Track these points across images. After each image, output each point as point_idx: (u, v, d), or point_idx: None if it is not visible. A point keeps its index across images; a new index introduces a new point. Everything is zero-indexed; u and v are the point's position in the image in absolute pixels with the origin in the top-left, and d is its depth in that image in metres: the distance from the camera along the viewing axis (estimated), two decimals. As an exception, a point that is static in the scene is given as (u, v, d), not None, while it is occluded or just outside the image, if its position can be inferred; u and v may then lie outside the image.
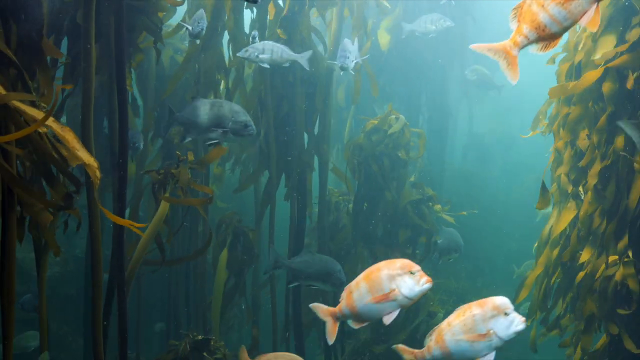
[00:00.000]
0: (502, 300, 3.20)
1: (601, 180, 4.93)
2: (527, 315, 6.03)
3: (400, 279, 3.25)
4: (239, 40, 6.15)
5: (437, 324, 7.32)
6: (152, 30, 5.07)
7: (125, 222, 4.00)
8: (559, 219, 5.62)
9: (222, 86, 6.43)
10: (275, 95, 6.44)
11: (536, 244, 6.30)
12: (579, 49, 5.16)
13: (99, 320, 4.28)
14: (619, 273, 4.79)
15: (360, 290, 3.28)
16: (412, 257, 7.17)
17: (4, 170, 3.40)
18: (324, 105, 6.62)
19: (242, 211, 8.11)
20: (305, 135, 6.71)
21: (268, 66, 5.51)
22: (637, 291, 4.72)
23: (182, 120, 5.21)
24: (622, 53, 4.74)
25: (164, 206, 4.88)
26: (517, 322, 3.16)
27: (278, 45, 5.43)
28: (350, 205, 7.41)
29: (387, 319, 3.28)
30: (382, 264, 3.31)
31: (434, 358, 3.30)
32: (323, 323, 3.60)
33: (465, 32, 10.31)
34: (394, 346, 3.47)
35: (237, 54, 5.59)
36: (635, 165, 4.62)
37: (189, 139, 5.27)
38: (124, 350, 4.47)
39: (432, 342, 3.29)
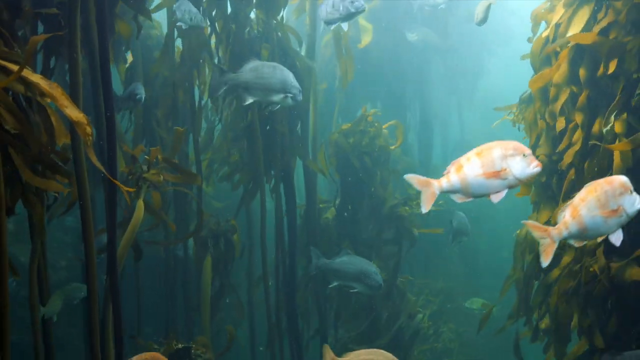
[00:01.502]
0: (626, 179, 3.31)
1: (579, 163, 4.87)
2: (509, 316, 5.96)
3: (512, 159, 3.25)
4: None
5: (417, 325, 7.31)
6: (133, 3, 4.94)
7: (117, 183, 3.94)
8: (537, 219, 5.57)
9: (207, 72, 6.44)
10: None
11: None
12: (544, 33, 5.18)
13: (95, 318, 4.24)
14: (593, 267, 4.74)
15: (472, 164, 3.27)
16: (397, 257, 7.17)
17: None
18: (306, 102, 6.58)
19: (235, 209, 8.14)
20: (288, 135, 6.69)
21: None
22: (608, 287, 4.66)
23: (242, 81, 5.06)
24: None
25: (138, 211, 4.78)
26: (638, 201, 3.28)
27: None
28: (330, 211, 7.42)
29: (495, 198, 3.30)
30: (494, 143, 3.32)
31: (570, 234, 3.33)
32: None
33: (445, 29, 10.39)
34: (524, 221, 3.47)
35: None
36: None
37: (250, 101, 5.15)
38: (120, 348, 4.42)
39: (568, 217, 3.31)
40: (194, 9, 5.15)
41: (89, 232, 4.13)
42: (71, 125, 3.80)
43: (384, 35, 9.60)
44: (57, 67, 4.84)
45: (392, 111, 10.13)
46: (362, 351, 3.91)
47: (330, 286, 6.19)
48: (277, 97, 5.06)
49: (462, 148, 15.18)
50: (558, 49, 5.04)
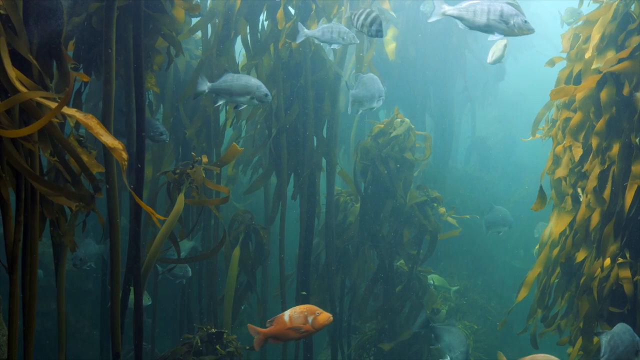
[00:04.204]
0: None
1: (599, 184, 5.12)
2: (529, 314, 6.22)
3: None
4: (254, 44, 6.44)
5: (441, 320, 7.57)
6: (168, 38, 5.26)
7: (148, 208, 4.10)
8: (558, 222, 5.82)
9: None
10: (286, 99, 6.69)
11: (537, 246, 6.49)
12: (579, 59, 5.36)
13: (117, 311, 4.52)
14: (613, 274, 4.97)
15: None
16: (417, 257, 7.40)
17: (20, 164, 3.54)
18: (332, 109, 6.85)
19: (253, 210, 8.36)
20: (315, 138, 6.93)
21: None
22: (630, 292, 4.90)
23: (360, 96, 5.70)
24: (621, 60, 4.95)
25: (179, 204, 5.06)
26: None
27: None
28: (357, 205, 7.62)
29: None
30: None
31: None
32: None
33: (464, 40, 10.60)
34: None
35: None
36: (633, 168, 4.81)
37: (360, 112, 5.79)
38: (139, 341, 4.68)
39: None
40: (344, 28, 5.34)
41: (116, 235, 4.43)
42: (104, 148, 4.03)
43: (404, 39, 9.80)
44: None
45: (410, 113, 10.31)
46: (535, 356, 4.01)
47: (431, 347, 6.73)
48: (377, 104, 5.73)
49: (474, 149, 15.35)
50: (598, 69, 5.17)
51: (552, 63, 5.85)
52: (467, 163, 14.50)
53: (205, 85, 5.35)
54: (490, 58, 6.49)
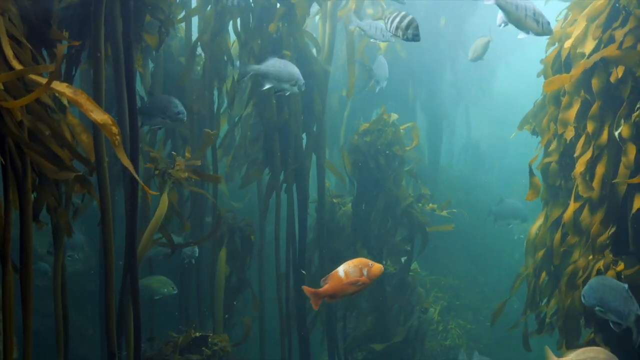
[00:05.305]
0: None
1: (589, 171, 5.09)
2: (522, 312, 6.18)
3: None
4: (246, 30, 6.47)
5: (429, 320, 7.54)
6: (159, 15, 5.12)
7: (143, 185, 4.03)
8: (548, 216, 5.77)
9: (229, 82, 6.69)
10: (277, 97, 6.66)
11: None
12: (566, 42, 5.35)
13: (112, 309, 4.45)
14: (597, 266, 4.93)
15: None
16: (410, 254, 7.35)
17: (15, 134, 3.46)
18: (322, 105, 6.86)
19: (251, 209, 8.35)
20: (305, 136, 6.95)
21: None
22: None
23: (379, 74, 6.81)
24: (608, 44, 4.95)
25: (162, 206, 5.01)
26: None
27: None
28: (345, 207, 7.62)
29: None
30: None
31: None
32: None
33: (456, 38, 10.64)
34: None
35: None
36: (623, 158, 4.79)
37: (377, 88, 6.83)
38: (138, 342, 4.61)
39: None
40: (381, 25, 5.44)
41: (108, 230, 4.35)
42: (94, 127, 4.02)
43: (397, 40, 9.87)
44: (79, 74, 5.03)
45: (402, 111, 10.34)
46: (585, 348, 3.96)
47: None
48: (384, 84, 6.78)
49: (468, 150, 15.48)
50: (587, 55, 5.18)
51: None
52: (461, 164, 14.57)
53: (249, 67, 5.38)
54: (470, 55, 6.50)
